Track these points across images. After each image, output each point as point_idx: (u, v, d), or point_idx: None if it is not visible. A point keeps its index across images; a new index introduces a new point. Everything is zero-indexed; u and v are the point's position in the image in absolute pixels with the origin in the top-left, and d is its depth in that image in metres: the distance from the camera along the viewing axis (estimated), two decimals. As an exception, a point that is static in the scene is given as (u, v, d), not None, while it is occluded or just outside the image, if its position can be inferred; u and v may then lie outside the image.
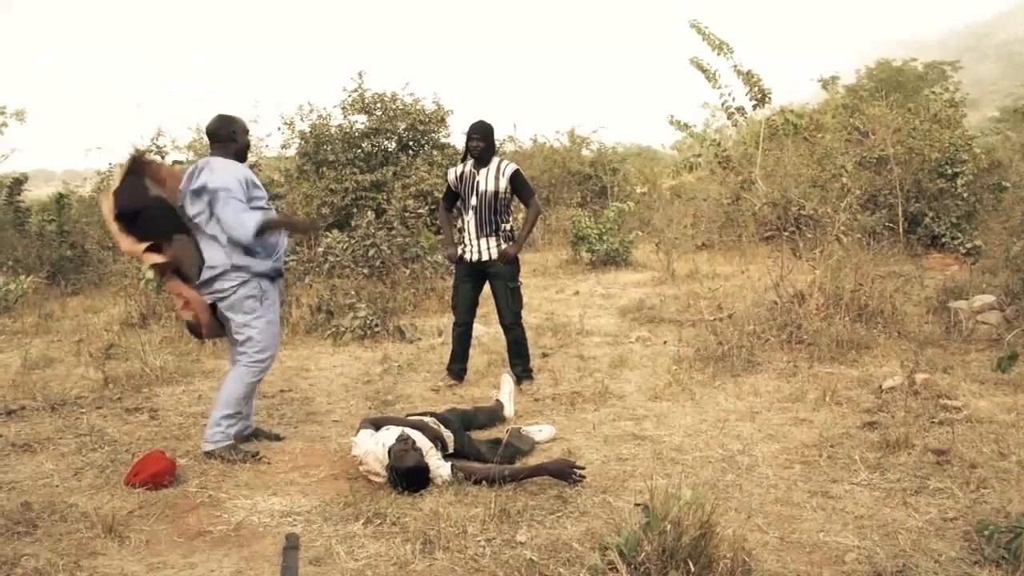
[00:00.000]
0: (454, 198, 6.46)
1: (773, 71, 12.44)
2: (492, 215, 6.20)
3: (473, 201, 6.20)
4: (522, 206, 6.30)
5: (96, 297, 11.24)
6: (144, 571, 3.47)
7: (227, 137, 4.98)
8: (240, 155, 5.05)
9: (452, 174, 6.40)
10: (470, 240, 6.27)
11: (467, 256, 6.29)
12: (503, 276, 6.23)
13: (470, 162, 6.26)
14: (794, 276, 7.69)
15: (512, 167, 6.21)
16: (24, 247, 12.36)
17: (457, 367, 6.50)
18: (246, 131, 5.11)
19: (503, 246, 6.21)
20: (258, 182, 4.95)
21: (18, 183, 14.27)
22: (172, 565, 3.54)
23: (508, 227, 6.27)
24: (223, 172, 4.78)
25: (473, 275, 6.35)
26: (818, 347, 6.68)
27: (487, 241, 6.22)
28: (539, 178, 18.45)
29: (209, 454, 4.83)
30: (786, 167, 12.56)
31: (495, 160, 6.23)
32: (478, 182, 6.19)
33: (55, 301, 10.68)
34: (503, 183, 6.16)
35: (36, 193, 16.14)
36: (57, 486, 4.47)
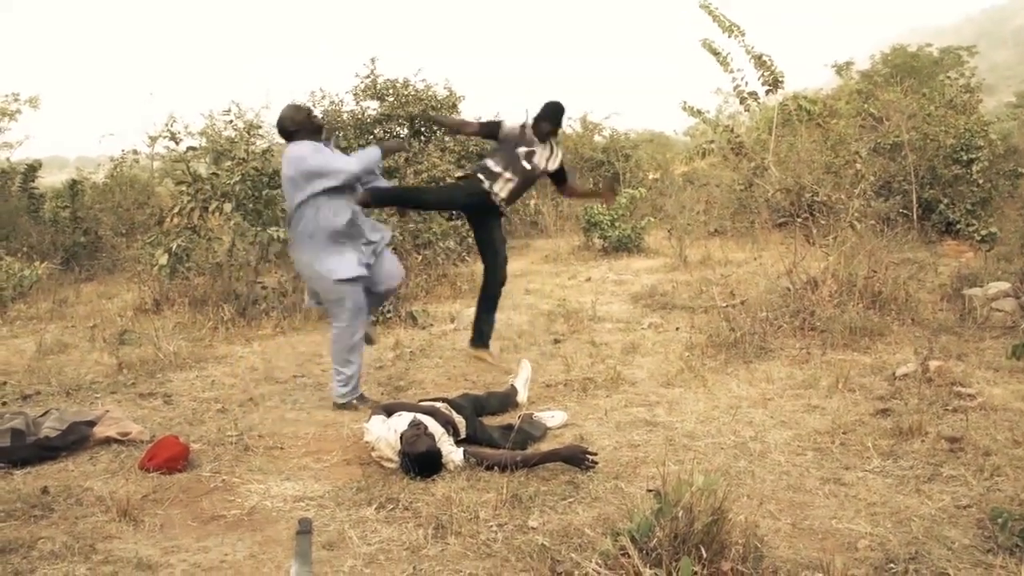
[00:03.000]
0: (493, 133, 6.11)
1: (786, 56, 12.36)
2: (520, 190, 6.05)
3: (511, 169, 5.92)
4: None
5: (110, 283, 11.29)
6: (159, 555, 3.50)
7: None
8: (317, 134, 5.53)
9: (509, 125, 6.05)
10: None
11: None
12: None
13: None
14: (807, 263, 7.66)
15: (563, 155, 6.24)
16: (38, 233, 12.41)
17: None
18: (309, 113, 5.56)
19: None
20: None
21: (32, 170, 14.31)
22: (186, 549, 3.56)
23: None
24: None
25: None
26: (831, 334, 6.66)
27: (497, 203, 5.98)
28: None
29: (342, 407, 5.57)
30: (799, 153, 12.51)
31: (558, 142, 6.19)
32: (533, 152, 5.97)
33: (69, 287, 10.73)
34: (553, 167, 6.11)
35: (50, 180, 16.18)
36: (72, 471, 4.51)
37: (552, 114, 5.98)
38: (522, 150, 5.96)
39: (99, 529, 3.75)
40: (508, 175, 5.91)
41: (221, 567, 3.39)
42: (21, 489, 4.21)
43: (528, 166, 5.95)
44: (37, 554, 3.48)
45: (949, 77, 16.62)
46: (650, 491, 3.25)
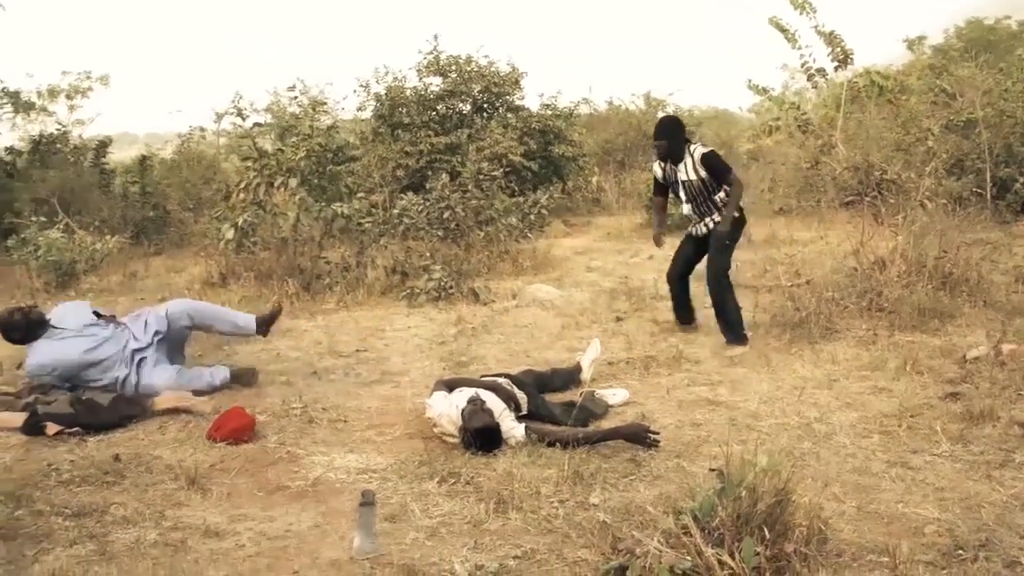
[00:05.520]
0: (664, 187, 6.70)
1: (856, 31, 12.10)
2: (704, 199, 6.42)
3: (682, 194, 6.49)
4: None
5: (178, 257, 11.50)
6: (226, 523, 3.57)
7: None
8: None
9: (657, 169, 6.67)
10: (694, 223, 6.59)
11: (694, 232, 6.65)
12: (716, 235, 6.39)
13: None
14: (875, 242, 7.50)
15: (700, 152, 6.34)
16: (109, 208, 12.66)
17: (680, 314, 6.90)
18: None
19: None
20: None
21: (103, 146, 14.61)
22: (252, 518, 3.63)
23: (724, 195, 6.39)
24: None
25: (697, 242, 6.65)
26: (899, 315, 6.52)
27: (709, 219, 6.46)
28: (614, 141, 18.29)
29: None
30: (868, 130, 12.25)
31: (689, 149, 6.38)
32: (679, 175, 6.43)
33: (139, 261, 10.96)
34: (702, 172, 6.32)
35: (120, 155, 16.51)
36: (143, 439, 4.63)
37: (657, 132, 6.49)
38: (672, 181, 6.54)
39: (168, 496, 3.85)
40: (686, 206, 6.54)
41: (286, 536, 3.46)
42: (94, 456, 4.34)
43: (683, 180, 6.42)
44: (110, 518, 3.59)
45: (1028, 51, 16.05)
46: (713, 471, 3.23)
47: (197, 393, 5.24)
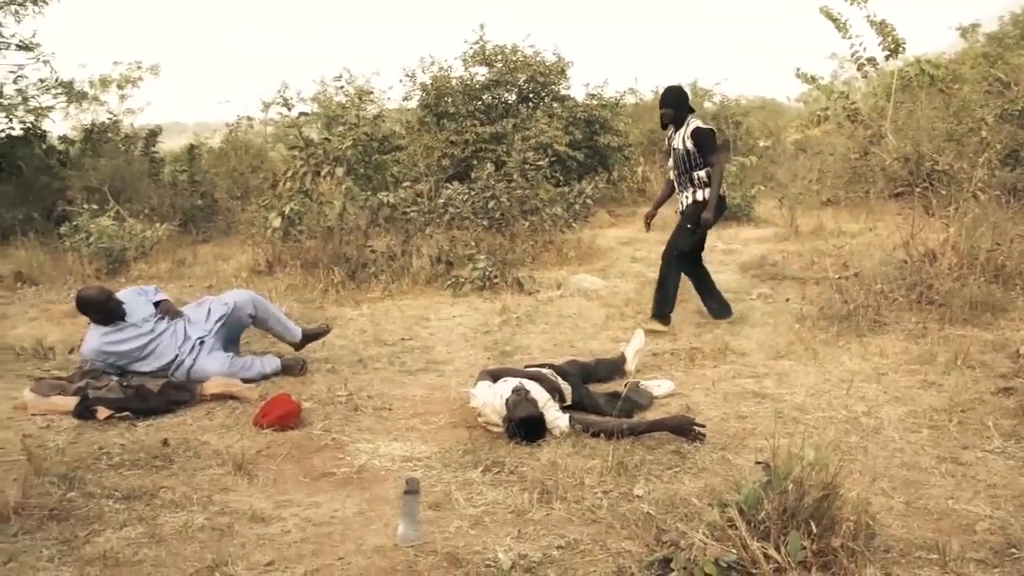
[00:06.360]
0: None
1: (908, 20, 11.89)
2: (685, 171, 6.62)
3: (670, 161, 6.75)
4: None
5: (225, 245, 11.62)
6: (272, 508, 3.61)
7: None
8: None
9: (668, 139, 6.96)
10: (676, 195, 6.85)
11: (678, 208, 6.91)
12: (684, 216, 6.68)
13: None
14: (925, 234, 7.37)
15: (695, 125, 6.55)
16: (158, 196, 12.78)
17: (713, 308, 6.94)
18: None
19: (696, 194, 6.59)
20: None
21: (153, 135, 14.77)
22: (298, 504, 3.67)
23: (703, 174, 6.55)
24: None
25: None
26: (950, 308, 6.41)
27: (684, 194, 6.69)
28: (660, 132, 18.17)
29: None
30: (919, 120, 12.01)
31: (688, 120, 6.60)
32: (673, 141, 6.66)
33: (187, 248, 11.08)
34: (688, 143, 6.50)
35: (169, 144, 16.67)
36: (191, 425, 4.70)
37: (663, 100, 6.74)
38: (669, 147, 6.81)
39: (216, 481, 3.90)
40: (672, 173, 6.80)
41: (331, 522, 3.49)
42: (144, 440, 4.41)
43: (673, 147, 6.68)
44: (159, 502, 3.65)
45: (1087, 39, 15.63)
46: (759, 463, 3.21)
47: (246, 382, 5.32)
